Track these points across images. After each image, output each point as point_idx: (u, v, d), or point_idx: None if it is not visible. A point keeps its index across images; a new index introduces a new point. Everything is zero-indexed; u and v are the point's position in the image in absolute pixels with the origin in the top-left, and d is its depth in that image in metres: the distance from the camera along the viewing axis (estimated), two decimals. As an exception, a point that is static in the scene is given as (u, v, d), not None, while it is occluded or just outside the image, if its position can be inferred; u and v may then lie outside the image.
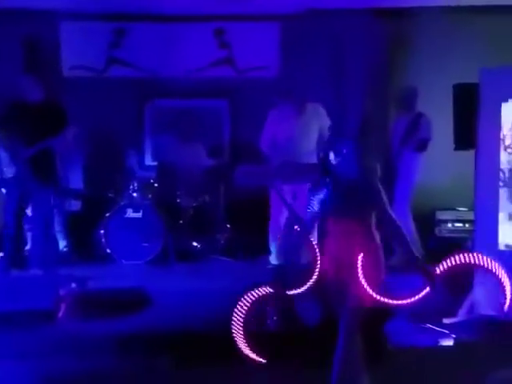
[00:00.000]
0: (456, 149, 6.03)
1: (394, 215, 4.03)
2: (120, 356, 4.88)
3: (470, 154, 5.90)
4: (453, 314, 5.61)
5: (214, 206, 7.99)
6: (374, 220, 4.02)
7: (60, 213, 7.75)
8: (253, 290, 4.01)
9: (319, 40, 8.35)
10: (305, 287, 4.04)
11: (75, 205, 8.21)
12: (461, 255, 4.00)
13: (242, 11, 8.20)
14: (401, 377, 4.56)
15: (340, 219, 4.03)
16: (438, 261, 4.03)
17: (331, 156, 4.07)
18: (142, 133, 8.76)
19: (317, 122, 6.98)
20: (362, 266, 3.91)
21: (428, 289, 3.91)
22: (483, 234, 5.73)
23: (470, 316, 5.60)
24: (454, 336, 5.29)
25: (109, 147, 8.30)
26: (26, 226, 7.09)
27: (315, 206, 4.09)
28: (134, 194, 7.73)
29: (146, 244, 7.49)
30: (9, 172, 6.67)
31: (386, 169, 6.79)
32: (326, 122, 7.00)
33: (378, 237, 4.02)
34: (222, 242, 7.91)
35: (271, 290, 4.01)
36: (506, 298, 4.06)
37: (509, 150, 5.69)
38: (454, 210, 8.07)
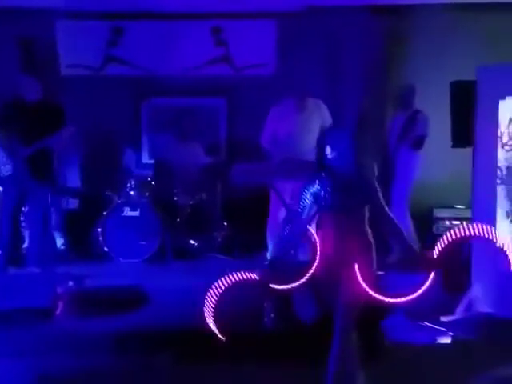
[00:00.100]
0: (453, 146, 6.04)
1: (389, 211, 4.01)
2: (117, 354, 4.89)
3: (467, 151, 5.91)
4: (450, 312, 5.61)
5: (211, 204, 7.98)
6: (366, 216, 4.00)
7: (57, 211, 7.77)
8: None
9: (316, 38, 8.34)
10: (298, 283, 4.03)
11: (72, 203, 8.20)
12: (460, 228, 3.84)
13: (239, 9, 8.19)
14: (398, 374, 4.56)
15: (333, 214, 4.00)
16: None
17: (327, 150, 4.04)
18: (139, 131, 8.74)
19: (318, 119, 6.93)
20: (354, 262, 3.90)
21: (428, 283, 3.87)
22: (481, 231, 5.73)
23: (467, 314, 5.60)
24: (451, 334, 5.30)
25: (106, 145, 8.29)
26: (24, 224, 7.12)
27: (307, 199, 4.05)
28: (132, 193, 7.72)
29: (143, 242, 7.49)
30: (6, 170, 6.65)
31: (384, 167, 6.84)
32: (328, 118, 6.97)
33: (370, 233, 4.00)
34: (220, 239, 7.91)
35: (256, 278, 3.95)
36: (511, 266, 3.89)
37: (506, 148, 5.69)
38: (452, 207, 8.05)
